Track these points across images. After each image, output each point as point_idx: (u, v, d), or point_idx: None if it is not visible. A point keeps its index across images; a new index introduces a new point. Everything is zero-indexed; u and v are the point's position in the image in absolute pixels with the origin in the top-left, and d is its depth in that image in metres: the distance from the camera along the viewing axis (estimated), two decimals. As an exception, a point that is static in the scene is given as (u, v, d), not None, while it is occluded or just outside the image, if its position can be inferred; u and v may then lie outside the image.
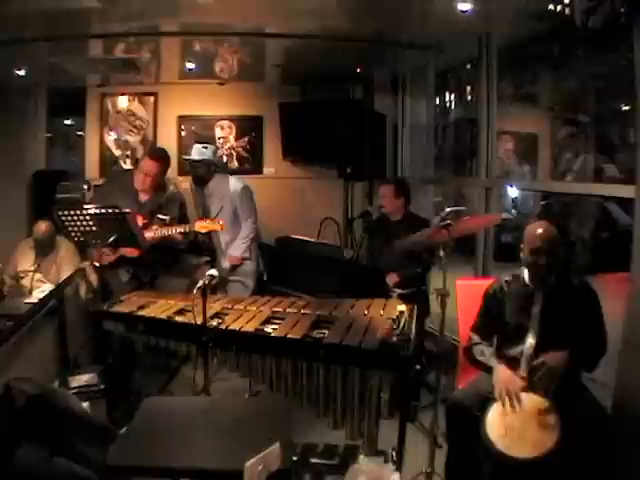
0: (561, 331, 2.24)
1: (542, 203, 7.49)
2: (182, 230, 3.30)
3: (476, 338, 2.47)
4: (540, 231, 2.28)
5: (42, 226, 3.78)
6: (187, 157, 4.10)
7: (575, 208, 6.93)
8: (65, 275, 3.73)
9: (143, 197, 3.43)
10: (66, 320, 3.35)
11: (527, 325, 2.29)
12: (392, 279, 3.39)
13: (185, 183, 4.35)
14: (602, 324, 2.30)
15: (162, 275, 3.63)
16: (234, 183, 4.03)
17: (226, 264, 4.03)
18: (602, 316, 2.30)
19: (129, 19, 3.27)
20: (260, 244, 4.13)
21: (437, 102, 7.49)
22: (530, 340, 2.26)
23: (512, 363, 2.28)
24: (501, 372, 2.24)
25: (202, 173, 3.95)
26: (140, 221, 3.19)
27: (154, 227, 3.29)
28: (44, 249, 3.81)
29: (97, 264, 3.05)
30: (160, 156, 3.47)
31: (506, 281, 2.45)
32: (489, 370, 2.32)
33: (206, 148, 4.00)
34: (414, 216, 3.64)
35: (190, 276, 3.90)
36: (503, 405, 2.13)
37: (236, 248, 4.00)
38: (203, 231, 3.37)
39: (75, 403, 2.39)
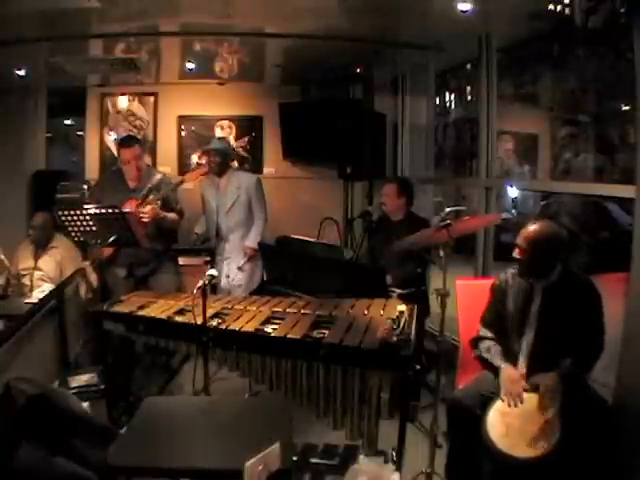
0: (559, 329, 2.23)
1: (542, 203, 7.50)
2: (175, 184, 3.52)
3: (484, 331, 2.45)
4: (529, 230, 2.27)
5: (39, 216, 3.90)
6: (207, 147, 4.15)
7: (574, 208, 6.93)
8: (68, 273, 3.75)
9: (132, 184, 3.50)
10: (66, 320, 3.36)
11: (526, 320, 2.29)
12: None
13: (186, 183, 4.34)
14: (601, 326, 2.26)
15: (156, 273, 3.64)
16: (248, 175, 4.18)
17: (240, 262, 4.04)
18: (602, 317, 2.27)
19: (129, 19, 3.28)
20: (260, 244, 4.13)
21: (437, 102, 7.48)
22: (528, 335, 2.26)
23: (512, 357, 2.28)
24: (508, 372, 2.23)
25: (220, 162, 4.00)
26: (133, 204, 3.25)
27: (146, 202, 3.34)
28: (41, 239, 3.88)
29: (98, 260, 3.07)
30: (130, 141, 3.59)
31: (512, 274, 2.43)
32: (492, 368, 2.31)
33: (223, 140, 4.23)
34: (415, 216, 3.63)
35: (184, 276, 3.91)
36: (509, 405, 2.13)
37: (251, 240, 4.04)
38: (192, 180, 3.71)
39: (75, 403, 2.38)
